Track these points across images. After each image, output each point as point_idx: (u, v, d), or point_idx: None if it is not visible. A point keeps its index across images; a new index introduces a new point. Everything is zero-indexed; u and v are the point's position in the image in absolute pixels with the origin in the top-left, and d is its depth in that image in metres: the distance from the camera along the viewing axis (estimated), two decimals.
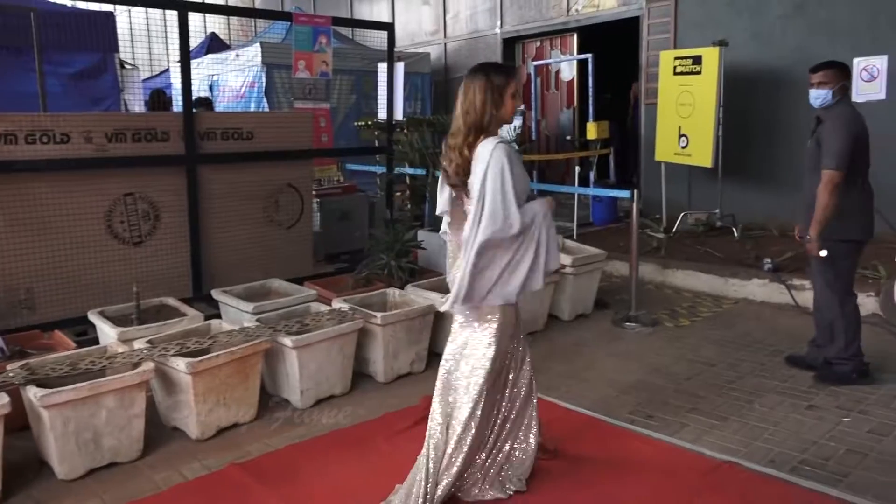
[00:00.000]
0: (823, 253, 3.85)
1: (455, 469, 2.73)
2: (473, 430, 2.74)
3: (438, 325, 4.40)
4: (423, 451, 2.79)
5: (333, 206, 6.91)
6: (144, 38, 10.77)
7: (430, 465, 2.72)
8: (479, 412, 2.75)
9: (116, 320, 4.01)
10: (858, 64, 6.59)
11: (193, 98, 5.15)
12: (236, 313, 4.32)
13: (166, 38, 11.29)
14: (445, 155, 2.79)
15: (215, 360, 3.40)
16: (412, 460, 3.15)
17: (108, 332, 3.86)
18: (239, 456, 3.29)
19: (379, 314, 4.04)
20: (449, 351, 2.86)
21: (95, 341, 4.04)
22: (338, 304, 4.26)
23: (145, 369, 3.26)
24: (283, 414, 3.75)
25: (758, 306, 5.57)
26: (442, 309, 2.77)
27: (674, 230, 7.29)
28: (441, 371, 2.87)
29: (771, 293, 5.64)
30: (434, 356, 4.44)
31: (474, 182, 2.67)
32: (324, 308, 4.20)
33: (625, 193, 5.33)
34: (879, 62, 6.43)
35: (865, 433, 3.36)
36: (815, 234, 3.83)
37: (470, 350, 2.80)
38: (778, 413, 3.61)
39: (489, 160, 2.61)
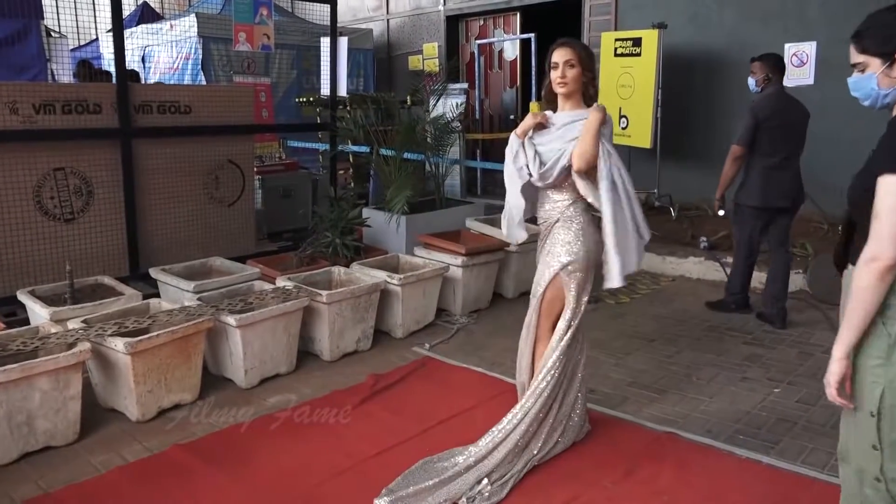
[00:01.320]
0: (721, 212, 4.84)
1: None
2: None
3: (385, 302, 4.39)
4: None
5: (276, 184, 6.78)
6: (71, 6, 10.24)
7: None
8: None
9: (48, 300, 3.86)
10: (789, 49, 6.84)
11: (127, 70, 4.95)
12: (176, 292, 4.21)
13: (94, 5, 10.78)
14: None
15: (155, 339, 3.31)
16: (360, 437, 3.18)
17: (39, 313, 3.71)
18: (182, 437, 3.22)
19: (324, 292, 4.00)
20: None
21: (26, 322, 3.88)
22: (282, 282, 4.20)
23: (81, 349, 3.14)
24: (226, 394, 3.69)
25: (694, 283, 5.76)
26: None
27: None
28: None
29: (706, 270, 5.83)
30: (380, 334, 4.45)
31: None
32: (268, 286, 4.13)
33: None
34: (809, 48, 6.69)
35: (794, 403, 3.53)
36: (717, 195, 4.79)
37: None
38: (713, 385, 3.76)
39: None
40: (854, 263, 1.84)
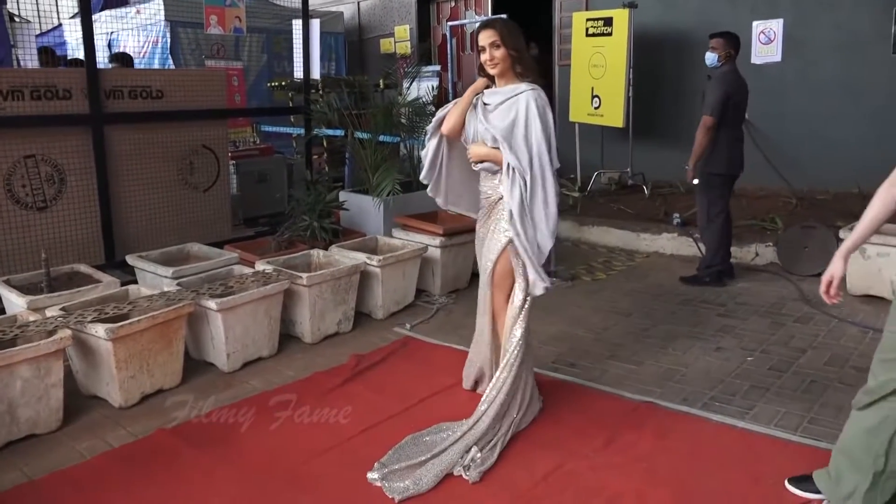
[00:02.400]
0: (696, 181, 4.93)
1: None
2: None
3: (364, 284, 4.42)
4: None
5: (251, 169, 6.74)
6: None
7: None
8: None
9: (24, 289, 3.81)
10: (757, 27, 6.94)
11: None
12: (154, 279, 4.18)
13: None
14: None
15: (137, 325, 3.30)
16: (342, 417, 3.21)
17: (15, 302, 3.67)
18: (166, 422, 3.22)
19: (304, 275, 4.01)
20: None
21: (1, 311, 3.83)
22: (261, 266, 4.20)
23: (62, 336, 3.12)
24: (209, 378, 3.69)
25: (668, 259, 5.87)
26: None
27: (588, 189, 7.52)
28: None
29: (679, 246, 5.94)
30: (361, 316, 4.47)
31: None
32: (247, 270, 4.13)
33: None
34: (776, 25, 6.79)
35: (766, 370, 3.63)
36: (691, 165, 4.89)
37: None
38: (689, 356, 3.85)
39: None
40: None
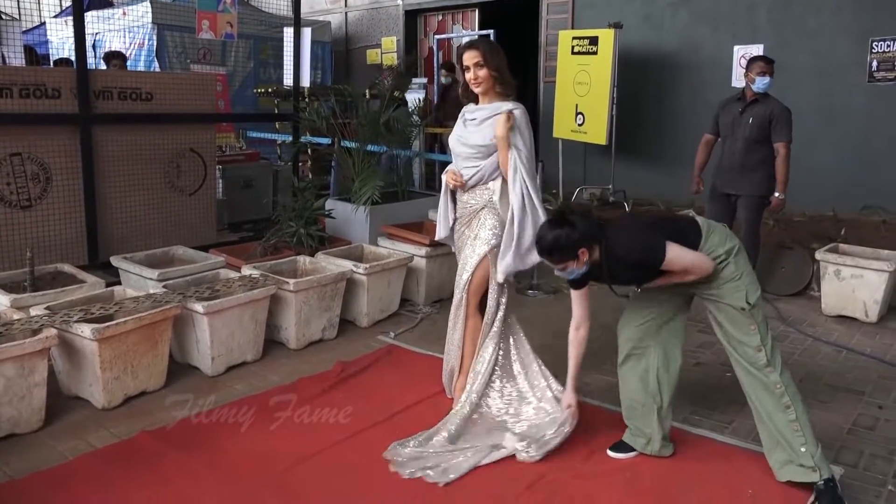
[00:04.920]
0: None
1: None
2: None
3: (350, 292, 4.43)
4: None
5: (237, 174, 6.73)
6: None
7: None
8: None
9: (7, 287, 3.79)
10: (738, 52, 7.12)
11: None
12: (139, 281, 4.17)
13: None
14: None
15: (123, 326, 3.29)
16: (327, 423, 3.22)
17: None
18: (149, 424, 3.21)
19: (291, 280, 4.02)
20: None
21: None
22: (248, 270, 4.20)
23: (47, 335, 3.11)
24: (193, 381, 3.68)
25: None
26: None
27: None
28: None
29: None
30: (346, 323, 4.49)
31: None
32: (234, 275, 4.13)
33: None
34: (756, 50, 6.97)
35: None
36: (783, 192, 4.80)
37: None
38: None
39: None
40: None
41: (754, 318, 2.70)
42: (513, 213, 3.07)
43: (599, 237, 2.64)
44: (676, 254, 2.59)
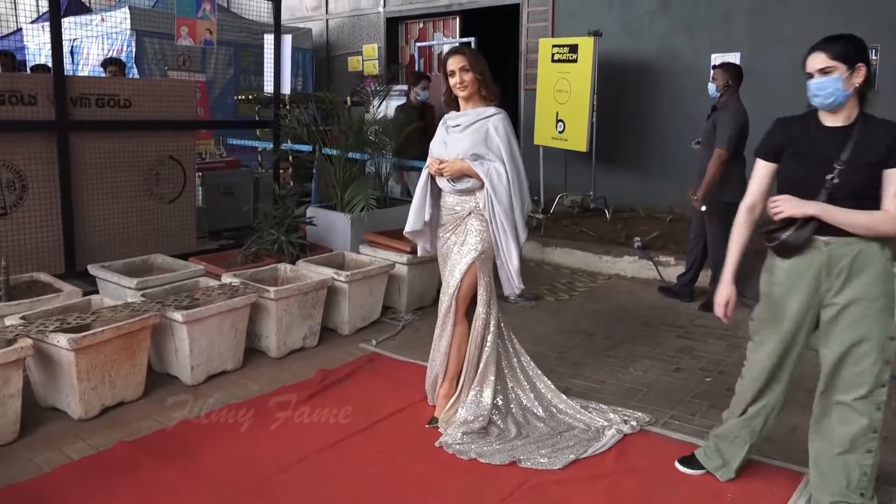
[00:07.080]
0: (703, 208, 4.96)
1: None
2: None
3: (331, 299, 4.42)
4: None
5: (217, 181, 6.69)
6: None
7: None
8: None
9: None
10: (715, 59, 7.19)
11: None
12: (117, 290, 4.12)
13: None
14: None
15: (100, 335, 3.25)
16: (309, 431, 3.21)
17: None
18: (127, 434, 3.17)
19: (272, 288, 4.00)
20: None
21: None
22: (228, 278, 4.17)
23: (22, 346, 3.06)
24: (172, 391, 3.64)
25: (629, 281, 6.00)
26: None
27: (551, 211, 7.65)
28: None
29: (640, 269, 6.08)
30: (327, 331, 4.47)
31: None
32: (213, 283, 4.09)
33: None
34: (733, 58, 7.03)
35: (724, 391, 3.71)
36: (701, 195, 4.92)
37: None
38: (650, 376, 3.95)
39: None
40: None
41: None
42: (498, 243, 3.16)
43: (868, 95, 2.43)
44: None
